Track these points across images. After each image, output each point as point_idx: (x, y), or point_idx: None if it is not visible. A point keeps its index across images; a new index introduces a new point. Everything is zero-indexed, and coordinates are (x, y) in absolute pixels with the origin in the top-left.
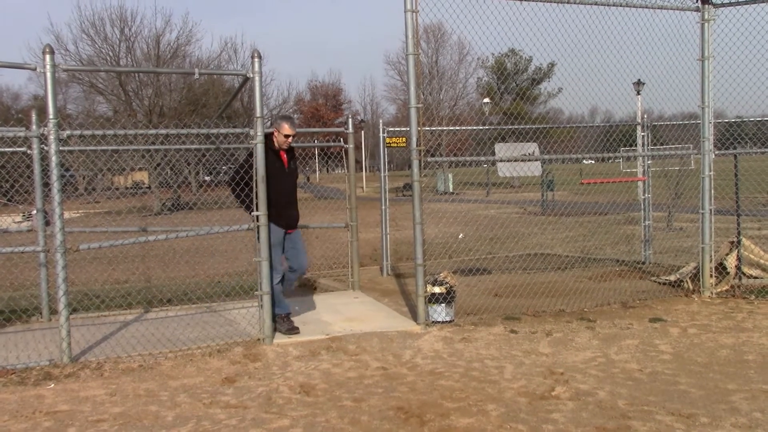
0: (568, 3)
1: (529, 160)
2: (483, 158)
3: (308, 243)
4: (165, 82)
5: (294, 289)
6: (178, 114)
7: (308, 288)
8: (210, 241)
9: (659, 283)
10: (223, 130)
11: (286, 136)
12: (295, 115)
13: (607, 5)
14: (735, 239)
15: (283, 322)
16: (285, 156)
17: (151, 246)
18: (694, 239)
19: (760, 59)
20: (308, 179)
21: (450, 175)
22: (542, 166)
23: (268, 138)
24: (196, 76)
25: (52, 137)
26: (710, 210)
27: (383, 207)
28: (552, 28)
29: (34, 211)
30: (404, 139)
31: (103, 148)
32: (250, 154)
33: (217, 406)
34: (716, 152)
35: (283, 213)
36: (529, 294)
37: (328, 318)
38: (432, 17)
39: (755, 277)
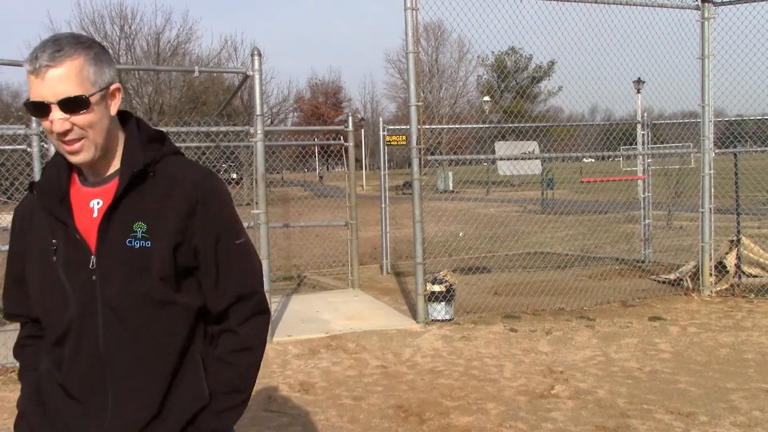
0: (568, 1)
1: (529, 159)
2: (483, 156)
3: (308, 241)
4: (165, 80)
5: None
6: (178, 112)
7: (308, 286)
8: None
9: (659, 281)
10: (223, 128)
11: (33, 109)
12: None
13: (607, 3)
14: (735, 238)
15: None
16: (94, 200)
17: None
18: (693, 238)
19: (760, 57)
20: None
21: (450, 174)
22: (542, 165)
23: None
24: (196, 74)
25: None
26: (710, 209)
27: (383, 205)
28: (552, 27)
29: None
30: (404, 138)
31: None
32: None
33: None
34: (716, 151)
35: (52, 399)
36: (528, 292)
37: (327, 316)
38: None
39: (755, 276)
